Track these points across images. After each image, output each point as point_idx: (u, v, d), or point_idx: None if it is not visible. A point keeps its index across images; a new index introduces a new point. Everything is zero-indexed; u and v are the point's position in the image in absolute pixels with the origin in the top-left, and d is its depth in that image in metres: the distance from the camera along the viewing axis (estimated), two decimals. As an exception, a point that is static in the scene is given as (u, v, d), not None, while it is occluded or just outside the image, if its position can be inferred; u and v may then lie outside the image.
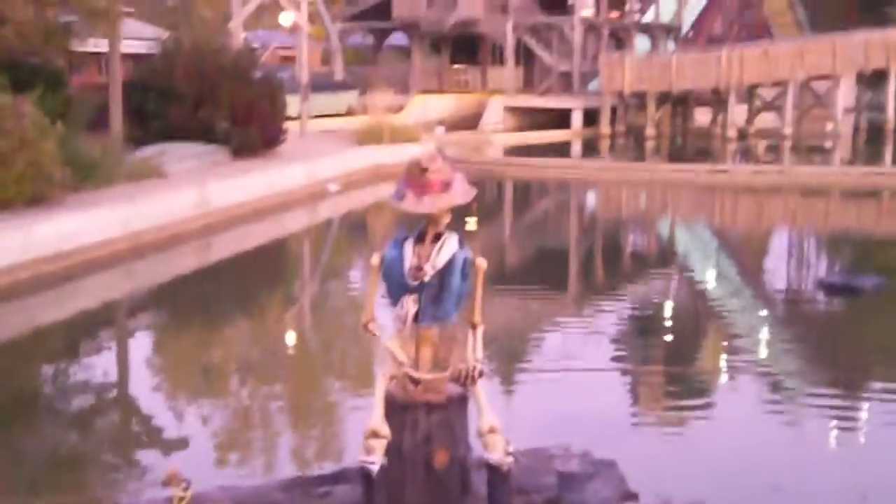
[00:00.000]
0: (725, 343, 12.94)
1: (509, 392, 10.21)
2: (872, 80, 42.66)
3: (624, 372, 11.43)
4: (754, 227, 24.06)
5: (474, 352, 5.69)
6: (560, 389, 10.41)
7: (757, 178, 28.87)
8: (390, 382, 5.72)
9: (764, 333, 13.40)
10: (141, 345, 13.14)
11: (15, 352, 12.25)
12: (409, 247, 5.70)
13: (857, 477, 7.93)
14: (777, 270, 18.55)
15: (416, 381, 5.69)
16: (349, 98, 39.82)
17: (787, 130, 38.94)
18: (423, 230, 5.70)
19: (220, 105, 24.34)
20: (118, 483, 7.90)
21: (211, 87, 24.38)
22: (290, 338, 13.15)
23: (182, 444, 8.75)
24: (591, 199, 28.65)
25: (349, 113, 37.70)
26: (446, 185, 5.58)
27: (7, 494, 6.88)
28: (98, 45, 24.51)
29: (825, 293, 15.23)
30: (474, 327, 5.75)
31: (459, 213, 5.77)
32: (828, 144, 37.67)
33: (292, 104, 29.77)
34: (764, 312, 14.64)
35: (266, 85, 26.28)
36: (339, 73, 43.04)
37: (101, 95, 23.52)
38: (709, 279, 17.43)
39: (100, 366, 11.96)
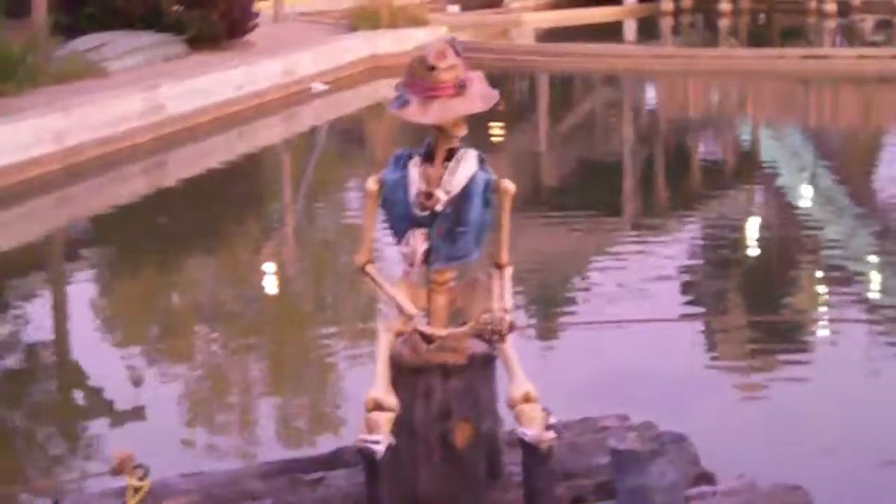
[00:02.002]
0: (826, 281, 12.90)
1: (548, 350, 10.23)
2: None
3: (695, 321, 11.44)
4: (861, 128, 23.94)
5: (501, 300, 5.69)
6: (613, 344, 10.41)
7: (864, 65, 28.65)
8: (396, 340, 5.75)
9: (876, 268, 13.36)
10: (82, 291, 13.09)
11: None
12: (414, 167, 5.68)
13: None
14: (891, 184, 18.48)
15: (428, 339, 5.72)
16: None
17: (902, 4, 38.61)
18: (432, 145, 5.69)
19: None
20: (57, 470, 7.98)
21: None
22: (269, 282, 13.18)
23: (137, 417, 8.80)
24: (650, 95, 28.50)
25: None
26: (460, 87, 5.56)
27: None
28: None
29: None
30: (501, 268, 5.75)
31: (479, 122, 5.76)
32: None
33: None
34: (875, 240, 14.59)
35: (230, -44, 26.12)
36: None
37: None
38: (803, 196, 17.38)
39: (31, 318, 12.00)
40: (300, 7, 32.84)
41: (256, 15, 26.76)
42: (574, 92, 28.94)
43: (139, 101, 19.44)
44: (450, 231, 5.63)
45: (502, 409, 5.79)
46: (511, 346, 5.65)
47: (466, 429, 5.77)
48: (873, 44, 33.47)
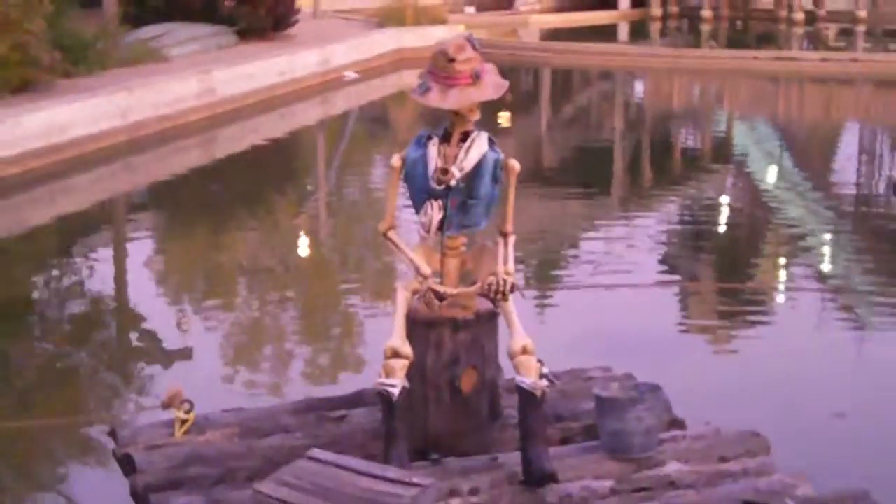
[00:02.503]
0: (787, 254, 12.90)
1: (544, 308, 10.22)
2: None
3: (672, 286, 11.44)
4: (822, 122, 23.87)
5: (505, 263, 5.68)
6: (600, 305, 10.42)
7: (826, 67, 28.52)
8: (413, 297, 5.74)
9: (831, 242, 13.35)
10: (140, 249, 13.09)
11: (3, 256, 12.33)
12: (433, 146, 5.68)
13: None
14: (847, 170, 18.41)
15: (441, 296, 5.71)
16: (370, -26, 39.43)
17: (862, 13, 38.28)
18: (449, 128, 5.68)
19: (226, -19, 24.22)
20: (115, 403, 8.00)
21: (215, -40, 24.23)
22: (304, 243, 13.18)
23: (186, 360, 8.81)
24: (639, 89, 28.39)
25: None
26: (476, 77, 5.55)
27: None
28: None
29: (897, 197, 15.18)
30: (506, 236, 5.74)
31: (491, 108, 5.74)
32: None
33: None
34: (831, 218, 14.56)
35: (276, -41, 26.04)
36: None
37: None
38: (770, 180, 17.33)
39: (96, 272, 11.97)
40: (336, 5, 32.75)
41: (298, 11, 26.70)
42: (573, 85, 28.82)
43: (194, 83, 19.41)
44: (462, 203, 5.64)
45: (503, 360, 5.80)
46: (512, 305, 5.65)
47: (472, 375, 5.77)
48: (835, 49, 33.27)
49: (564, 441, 6.06)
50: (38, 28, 16.56)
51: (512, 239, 5.74)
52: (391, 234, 5.75)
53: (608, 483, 5.60)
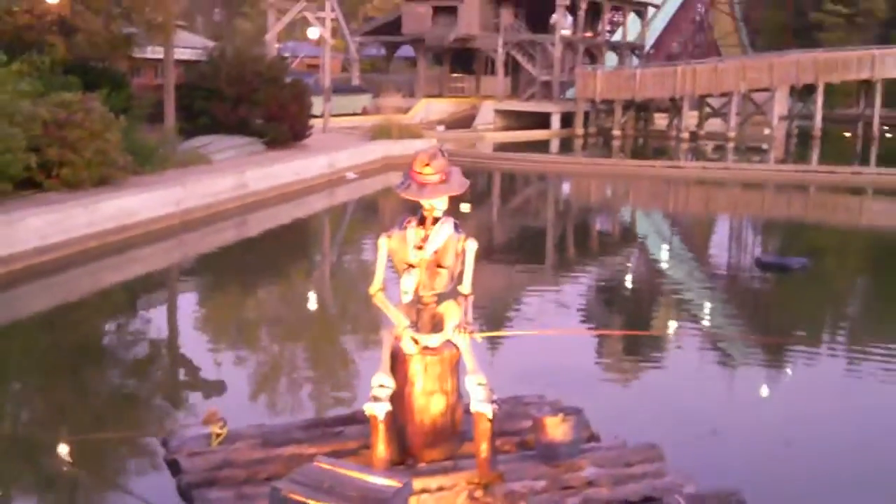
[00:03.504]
0: (677, 310, 12.94)
1: (494, 350, 10.17)
2: (803, 93, 42.74)
3: (591, 333, 11.42)
4: (702, 214, 24.03)
5: (465, 315, 5.69)
6: (537, 348, 10.34)
7: (705, 173, 28.84)
8: (395, 342, 5.72)
9: (709, 302, 13.40)
10: (189, 303, 13.12)
11: (84, 309, 12.25)
12: (412, 229, 5.69)
13: (782, 416, 7.96)
14: (721, 250, 18.55)
15: (417, 342, 5.69)
16: (364, 100, 39.70)
17: (731, 133, 38.91)
18: (423, 214, 5.69)
19: (257, 104, 24.38)
20: (167, 420, 7.90)
21: (249, 89, 24.36)
22: (313, 300, 13.13)
23: (221, 388, 8.74)
24: (566, 188, 28.56)
25: (364, 113, 37.57)
26: (444, 178, 5.58)
27: (75, 428, 6.88)
28: (155, 52, 24.67)
29: (761, 270, 15.22)
30: (466, 297, 5.75)
31: (455, 200, 5.76)
32: (765, 146, 37.58)
33: (316, 104, 29.77)
34: (710, 285, 14.63)
35: (295, 88, 26.22)
36: (355, 79, 42.90)
37: (157, 95, 23.62)
38: (663, 256, 17.42)
39: (154, 320, 11.98)
40: (340, 123, 32.94)
41: (311, 127, 26.86)
42: (516, 184, 28.97)
43: (231, 180, 19.39)
44: (433, 272, 5.64)
45: (463, 389, 5.76)
46: (470, 347, 5.64)
47: (441, 400, 5.74)
48: (712, 160, 33.62)
49: (508, 451, 6.02)
50: (115, 138, 16.67)
51: (471, 298, 5.75)
52: (379, 295, 5.74)
53: (542, 483, 5.57)
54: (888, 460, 7.11)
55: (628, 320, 12.13)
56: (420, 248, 5.63)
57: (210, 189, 18.43)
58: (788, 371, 9.89)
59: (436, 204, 5.63)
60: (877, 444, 7.43)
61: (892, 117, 44.28)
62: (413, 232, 5.68)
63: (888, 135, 41.93)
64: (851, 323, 12.49)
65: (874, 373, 9.82)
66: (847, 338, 11.60)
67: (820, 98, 40.09)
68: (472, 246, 5.67)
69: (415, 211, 5.76)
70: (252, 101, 24.29)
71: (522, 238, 18.99)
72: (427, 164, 5.53)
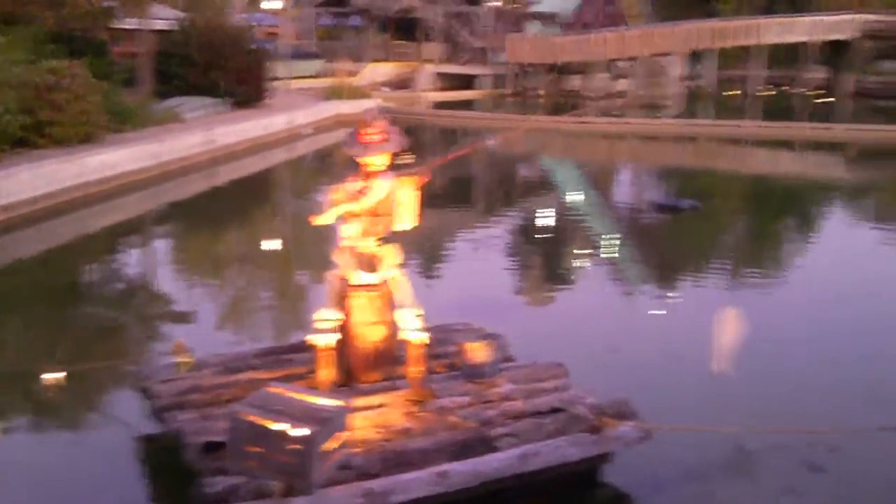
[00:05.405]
0: (586, 244, 13.01)
1: (428, 282, 10.18)
2: (699, 57, 42.87)
3: (512, 266, 11.47)
4: (608, 163, 24.15)
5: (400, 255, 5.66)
6: (464, 279, 10.42)
7: (612, 127, 28.93)
8: (339, 280, 5.67)
9: (613, 238, 13.50)
10: (164, 245, 12.92)
11: (70, 251, 11.98)
12: (355, 182, 5.62)
13: (671, 336, 8.08)
14: (623, 193, 18.70)
15: (359, 279, 5.65)
16: (318, 65, 39.05)
17: (638, 93, 38.94)
18: (366, 168, 5.61)
19: (225, 68, 23.95)
20: (143, 351, 7.79)
21: (217, 55, 23.92)
22: (274, 241, 12.96)
23: (190, 320, 8.63)
24: (494, 142, 28.43)
25: (318, 76, 36.98)
26: (385, 138, 5.51)
27: (52, 361, 6.73)
28: (132, 23, 24.11)
29: (656, 211, 15.38)
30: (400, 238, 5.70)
31: (398, 153, 5.68)
32: (665, 103, 37.75)
33: (277, 69, 29.31)
34: (613, 223, 14.74)
35: (258, 54, 25.89)
36: (311, 46, 42.22)
37: (135, 61, 23.12)
38: (575, 199, 17.49)
39: (133, 261, 11.79)
40: (298, 85, 32.42)
41: (272, 88, 26.49)
42: (453, 137, 28.81)
43: (202, 136, 19.02)
44: (375, 217, 5.59)
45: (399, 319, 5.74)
46: (405, 280, 5.62)
47: (381, 329, 5.71)
48: (616, 116, 33.68)
49: (439, 371, 6.04)
50: (97, 100, 16.29)
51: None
52: (317, 219, 5.56)
53: (467, 398, 5.59)
54: (761, 373, 7.27)
55: (546, 254, 12.19)
56: (361, 196, 5.56)
57: (183, 144, 18.06)
58: (678, 296, 10.02)
59: (376, 160, 5.55)
60: (751, 360, 7.60)
61: (774, 77, 44.76)
62: (356, 185, 5.61)
63: (770, 93, 42.42)
64: (735, 254, 12.70)
65: (752, 295, 10.01)
66: (731, 266, 11.81)
67: (713, 61, 40.28)
68: (410, 194, 5.55)
69: (359, 166, 5.68)
70: (220, 66, 23.85)
71: (455, 185, 18.93)
72: (370, 126, 5.46)
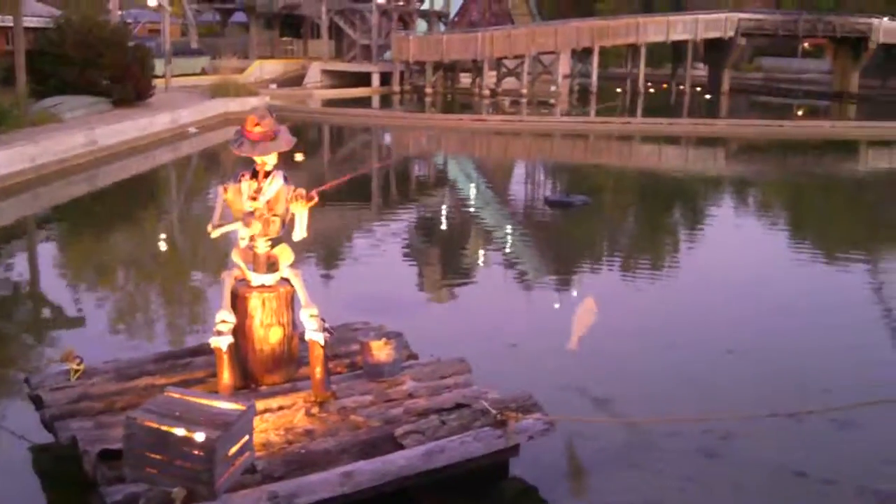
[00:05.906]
0: (482, 240, 13.15)
1: (326, 281, 10.12)
2: (582, 55, 43.95)
3: (411, 263, 11.50)
4: (502, 160, 24.48)
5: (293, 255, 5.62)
6: (363, 277, 10.38)
7: (503, 125, 29.33)
8: (235, 281, 5.59)
9: (508, 233, 13.70)
10: (47, 249, 12.37)
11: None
12: (246, 181, 5.55)
13: (569, 333, 8.22)
14: (517, 189, 18.97)
15: (253, 281, 5.58)
16: (203, 62, 38.29)
17: (524, 90, 39.62)
18: (257, 168, 5.54)
19: (103, 67, 23.33)
20: (31, 359, 7.48)
21: (95, 53, 23.29)
22: (162, 243, 12.62)
23: (80, 326, 8.36)
24: (387, 138, 28.47)
25: (203, 73, 36.19)
26: (274, 135, 5.44)
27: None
28: (4, 20, 23.26)
29: (549, 206, 15.68)
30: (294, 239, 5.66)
31: (286, 154, 5.62)
32: (552, 101, 38.47)
33: (158, 66, 28.65)
34: (508, 218, 14.95)
35: (138, 51, 25.26)
36: (194, 43, 41.34)
37: (9, 60, 22.11)
38: (471, 196, 17.65)
39: (15, 266, 11.26)
40: (182, 83, 31.65)
41: (154, 87, 25.81)
42: (344, 136, 28.67)
43: (82, 137, 18.37)
44: (267, 219, 5.52)
45: (297, 320, 5.69)
46: (302, 280, 5.58)
47: (278, 331, 5.65)
48: (509, 113, 34.17)
49: (340, 371, 6.02)
50: (-33, 100, 15.53)
51: (301, 238, 5.65)
52: (215, 231, 5.52)
53: (369, 397, 5.59)
54: (655, 363, 7.50)
55: (443, 250, 12.26)
56: (254, 198, 5.49)
57: (62, 145, 17.41)
58: (574, 291, 10.24)
59: (266, 158, 5.48)
60: (648, 349, 7.83)
61: (654, 75, 46.21)
62: (247, 184, 5.53)
63: (653, 90, 43.78)
64: (624, 247, 13.05)
65: (643, 285, 10.31)
66: (621, 259, 12.14)
67: (595, 59, 41.29)
68: (301, 195, 5.48)
69: (249, 165, 5.59)
70: (98, 65, 23.19)
71: (350, 183, 18.81)
72: (257, 124, 5.38)
